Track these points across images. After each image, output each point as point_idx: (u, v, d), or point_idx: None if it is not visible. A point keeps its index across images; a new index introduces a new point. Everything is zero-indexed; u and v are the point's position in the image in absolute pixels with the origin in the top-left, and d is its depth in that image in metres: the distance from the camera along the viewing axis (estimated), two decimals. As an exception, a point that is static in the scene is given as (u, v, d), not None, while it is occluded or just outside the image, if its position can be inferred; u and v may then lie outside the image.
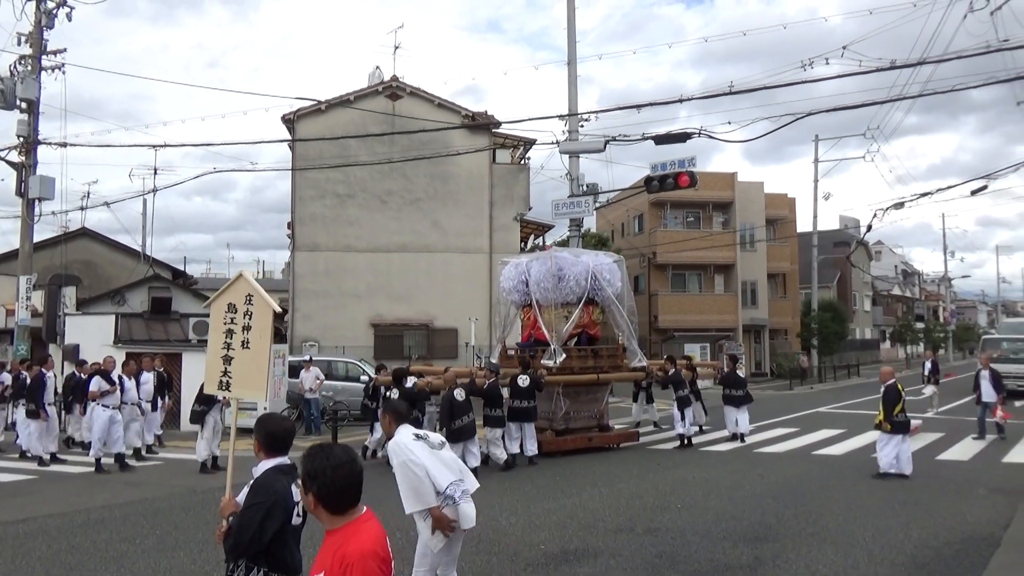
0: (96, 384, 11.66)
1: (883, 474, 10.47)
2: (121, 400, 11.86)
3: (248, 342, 4.43)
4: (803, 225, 40.43)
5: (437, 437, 4.85)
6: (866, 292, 56.65)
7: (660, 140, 15.10)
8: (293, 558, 3.38)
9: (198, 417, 11.67)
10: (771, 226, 38.10)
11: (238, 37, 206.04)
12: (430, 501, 4.52)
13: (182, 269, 32.75)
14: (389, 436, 4.81)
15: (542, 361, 12.94)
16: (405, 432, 4.72)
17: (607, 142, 16.23)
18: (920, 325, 54.38)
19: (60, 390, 14.38)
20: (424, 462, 4.53)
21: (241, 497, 3.45)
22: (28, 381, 12.94)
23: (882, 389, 10.88)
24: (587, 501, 9.08)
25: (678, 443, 13.83)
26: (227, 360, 4.51)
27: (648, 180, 16.68)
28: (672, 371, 14.55)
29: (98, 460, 11.46)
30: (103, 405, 11.53)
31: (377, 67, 26.51)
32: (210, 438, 11.68)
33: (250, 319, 4.44)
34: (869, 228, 29.88)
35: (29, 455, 12.53)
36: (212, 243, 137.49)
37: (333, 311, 24.44)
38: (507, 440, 11.93)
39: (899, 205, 23.38)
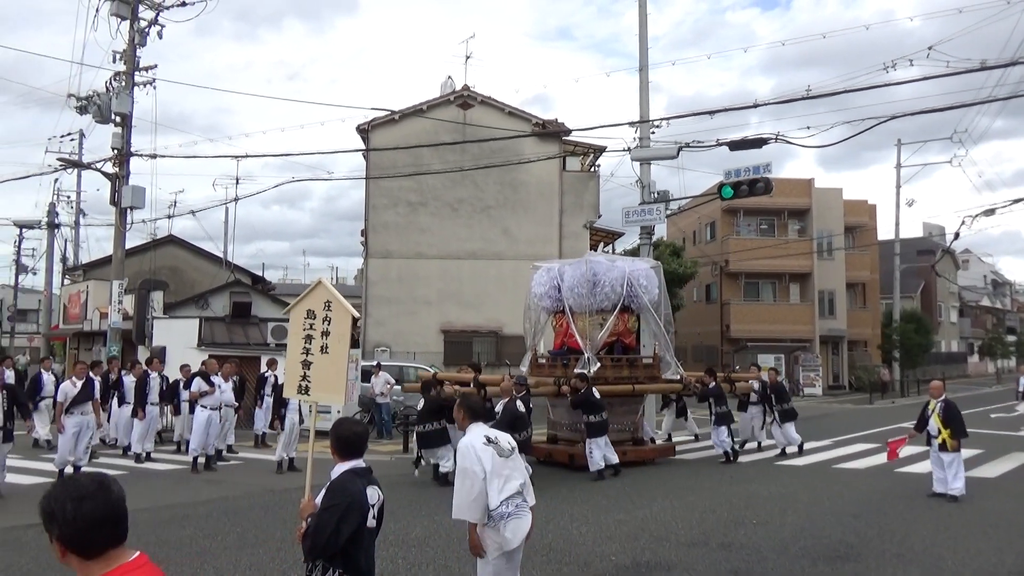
0: (197, 385, 12.21)
1: (954, 497, 9.84)
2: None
3: (327, 347, 4.53)
4: (884, 233, 39.02)
5: (508, 441, 4.63)
6: (952, 303, 54.08)
7: (735, 146, 14.81)
8: (368, 561, 3.42)
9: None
10: (850, 234, 36.86)
11: (316, 51, 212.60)
12: (475, 517, 4.36)
13: (261, 275, 33.93)
14: (462, 430, 4.73)
15: (575, 370, 12.41)
16: (477, 433, 4.56)
17: (680, 148, 16.01)
18: (1012, 338, 51.56)
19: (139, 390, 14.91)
20: (486, 472, 4.36)
21: (319, 499, 3.51)
22: (119, 381, 13.67)
23: (940, 405, 10.10)
24: (659, 513, 8.94)
25: (723, 459, 13.22)
26: (306, 365, 4.60)
27: (721, 187, 16.38)
28: (712, 384, 13.80)
29: (195, 459, 11.93)
30: (202, 406, 12.03)
31: (449, 77, 26.91)
32: (287, 441, 12.03)
33: (329, 324, 4.54)
34: (956, 236, 28.66)
35: (126, 452, 13.17)
36: (289, 250, 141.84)
37: (405, 317, 24.84)
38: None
39: (990, 212, 22.25)
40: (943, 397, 10.25)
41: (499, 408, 10.39)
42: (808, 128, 13.97)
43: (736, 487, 10.84)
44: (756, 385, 14.76)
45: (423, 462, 11.77)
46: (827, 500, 9.87)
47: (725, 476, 11.91)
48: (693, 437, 16.21)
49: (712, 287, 37.39)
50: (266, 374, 14.17)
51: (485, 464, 4.39)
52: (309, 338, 4.61)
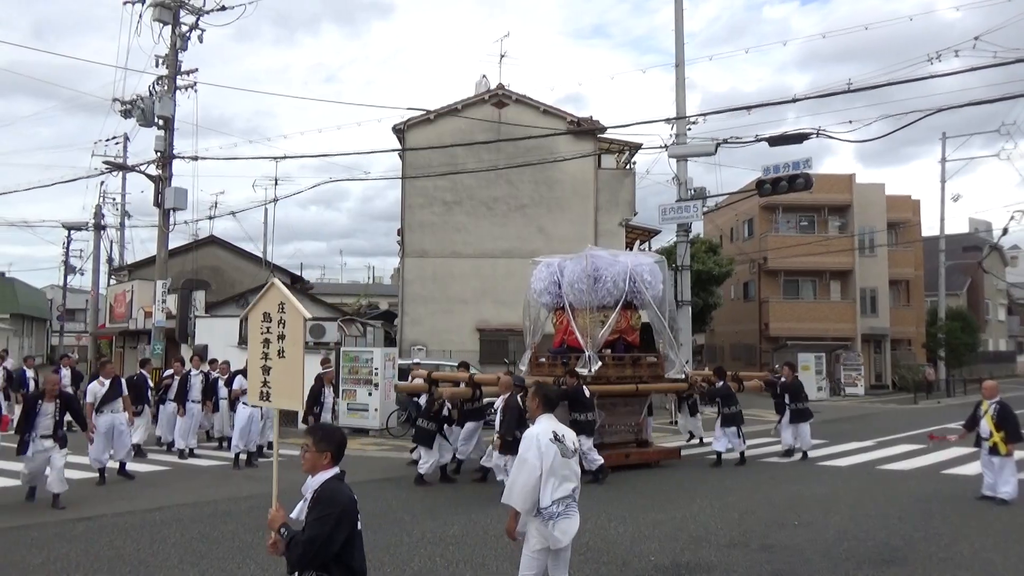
0: (238, 383, 12.41)
1: (1004, 500, 9.54)
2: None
3: (283, 351, 4.38)
4: (929, 229, 38.04)
5: (572, 440, 4.57)
6: (1000, 300, 52.60)
7: (774, 141, 14.58)
8: (361, 564, 3.41)
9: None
10: (893, 230, 36.04)
11: (353, 53, 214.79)
12: (523, 508, 4.38)
13: (299, 274, 34.41)
14: (532, 414, 4.69)
15: (576, 368, 11.86)
16: (545, 427, 4.50)
17: (718, 144, 15.82)
18: (1064, 336, 49.94)
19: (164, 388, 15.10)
20: (544, 469, 4.35)
21: (297, 512, 3.48)
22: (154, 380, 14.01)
23: (994, 407, 9.68)
24: (697, 513, 8.85)
25: (738, 460, 12.86)
26: (266, 370, 4.47)
27: (760, 183, 16.17)
28: (720, 384, 13.31)
29: (237, 455, 12.14)
30: (243, 403, 12.24)
31: (484, 76, 26.95)
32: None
33: (284, 328, 4.38)
34: (1005, 231, 28.01)
35: (171, 448, 13.44)
36: (326, 250, 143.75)
37: (440, 316, 24.95)
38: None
39: (1040, 206, 21.49)
40: (997, 398, 9.88)
41: (499, 405, 10.35)
42: (851, 122, 13.65)
43: (777, 487, 10.68)
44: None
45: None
46: (871, 502, 9.66)
47: (765, 476, 11.74)
48: (696, 439, 15.58)
49: (750, 285, 36.91)
50: None
51: (545, 461, 4.36)
52: (267, 342, 4.46)
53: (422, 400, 12.08)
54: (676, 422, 15.95)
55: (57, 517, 8.14)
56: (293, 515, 3.50)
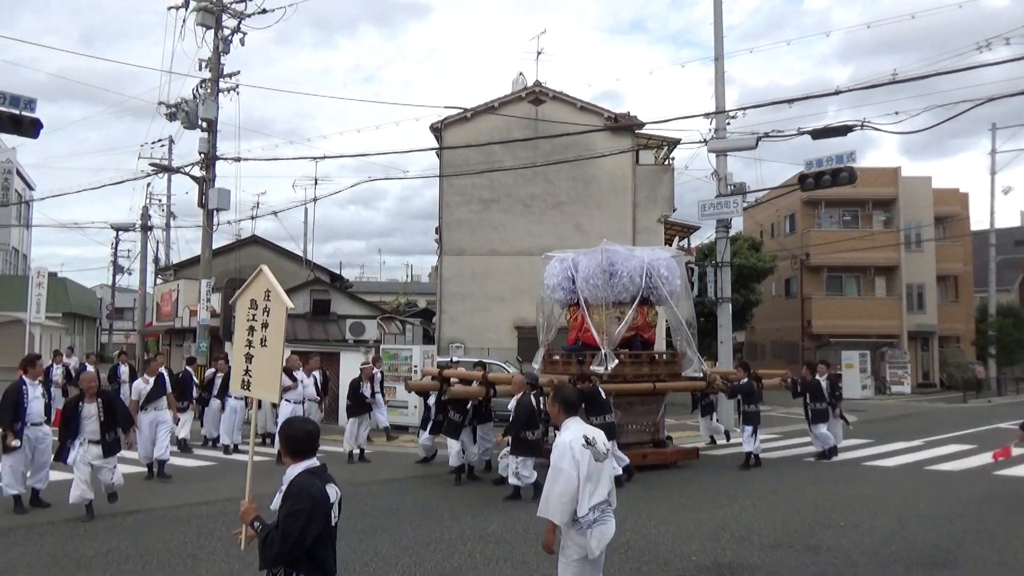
0: (282, 382, 12.66)
1: None
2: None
3: (266, 340, 4.28)
4: (978, 223, 37.01)
5: (603, 442, 4.41)
6: (1055, 296, 50.86)
7: (818, 134, 14.28)
8: (332, 560, 3.36)
9: (353, 412, 12.45)
10: (940, 224, 35.13)
11: (391, 54, 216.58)
12: (562, 519, 4.19)
13: (339, 273, 34.82)
14: (556, 424, 4.52)
15: (591, 367, 11.47)
16: (575, 432, 4.33)
17: (759, 138, 15.55)
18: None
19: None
20: (581, 479, 4.18)
21: (274, 504, 3.38)
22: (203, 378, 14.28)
23: None
24: (739, 513, 8.73)
25: (743, 461, 12.26)
26: (248, 359, 4.36)
27: (802, 177, 15.86)
28: (744, 380, 12.85)
29: (280, 451, 12.33)
30: (286, 400, 12.45)
31: (520, 73, 26.93)
32: (354, 431, 12.36)
33: (268, 316, 4.28)
34: (1059, 225, 26.92)
35: (216, 444, 13.72)
36: (364, 249, 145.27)
37: (478, 313, 25.03)
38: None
39: (1098, 198, 20.72)
40: None
41: (511, 405, 10.07)
42: (896, 113, 13.30)
43: (821, 488, 10.48)
44: (823, 383, 13.53)
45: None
46: (920, 503, 9.43)
47: (809, 476, 11.53)
48: (721, 438, 15.02)
49: (792, 281, 36.30)
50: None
51: (582, 468, 4.19)
52: (252, 330, 4.37)
53: (430, 401, 11.97)
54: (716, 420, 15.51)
55: (108, 510, 8.34)
56: (274, 506, 3.37)
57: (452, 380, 11.66)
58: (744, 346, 40.29)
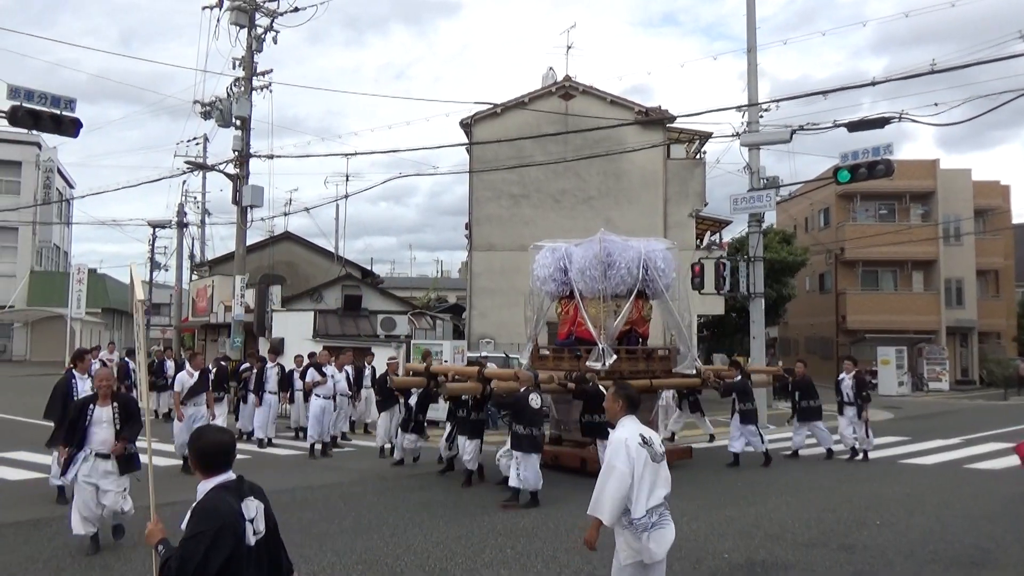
0: (310, 376, 12.83)
1: None
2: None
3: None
4: (1020, 216, 36.11)
5: (659, 441, 4.27)
6: (1101, 291, 49.44)
7: (854, 127, 14.03)
8: None
9: (383, 406, 12.54)
10: (980, 217, 34.34)
11: (421, 51, 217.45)
12: (610, 519, 4.01)
13: (370, 269, 35.10)
14: (612, 421, 4.32)
15: (587, 363, 10.92)
16: (631, 430, 4.17)
17: (793, 132, 15.33)
18: None
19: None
20: (636, 478, 4.01)
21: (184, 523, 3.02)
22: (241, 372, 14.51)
23: None
24: (772, 511, 8.63)
25: (764, 460, 11.98)
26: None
27: (837, 170, 15.61)
28: (737, 378, 12.49)
29: (312, 445, 12.49)
30: (316, 395, 12.60)
31: (550, 68, 26.86)
32: (387, 426, 12.45)
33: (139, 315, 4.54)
34: (1106, 217, 26.16)
35: (251, 438, 13.88)
36: (395, 245, 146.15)
37: (508, 309, 25.01)
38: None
39: None
40: None
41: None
42: (936, 104, 13.01)
43: (856, 486, 10.33)
44: (848, 382, 12.91)
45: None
46: (958, 502, 9.24)
47: (844, 474, 11.36)
48: (708, 438, 14.60)
49: (826, 276, 35.77)
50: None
51: (637, 467, 4.04)
52: (138, 327, 4.63)
53: (411, 400, 11.48)
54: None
55: (144, 502, 8.49)
56: (184, 525, 2.96)
57: (441, 377, 10.79)
58: (777, 342, 39.82)
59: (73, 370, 8.95)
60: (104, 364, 17.09)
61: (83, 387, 8.79)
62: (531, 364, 11.73)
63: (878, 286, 34.16)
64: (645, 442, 4.11)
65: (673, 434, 14.64)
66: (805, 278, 35.94)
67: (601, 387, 9.85)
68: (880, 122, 13.86)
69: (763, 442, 12.17)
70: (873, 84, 14.65)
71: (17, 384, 25.02)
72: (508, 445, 9.37)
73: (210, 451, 3.06)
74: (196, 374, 11.11)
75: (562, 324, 12.44)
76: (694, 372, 12.11)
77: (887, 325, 31.61)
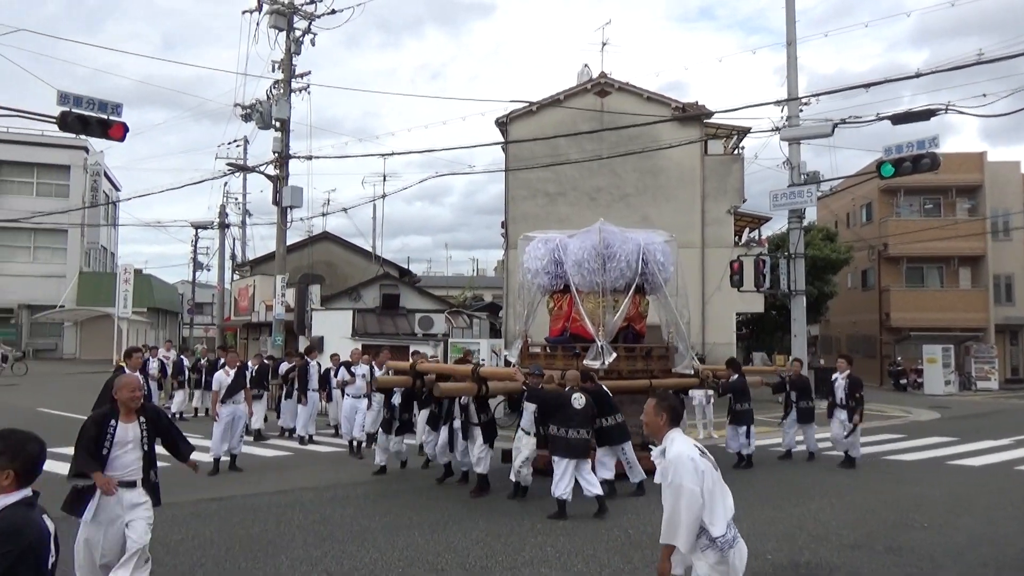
0: (341, 375, 12.98)
1: None
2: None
3: None
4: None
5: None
6: None
7: (898, 120, 13.70)
8: None
9: (423, 404, 12.60)
10: (1031, 211, 33.27)
11: (456, 51, 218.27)
12: (687, 545, 3.62)
13: (407, 268, 35.37)
14: (653, 437, 3.99)
15: (585, 361, 10.22)
16: (687, 443, 3.80)
17: (835, 125, 15.04)
18: None
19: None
20: (707, 495, 3.66)
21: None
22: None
23: None
24: (816, 512, 8.50)
25: (737, 460, 11.56)
26: None
27: (880, 165, 15.28)
28: (735, 377, 11.89)
29: (350, 442, 12.63)
30: (346, 394, 12.74)
31: (585, 65, 26.76)
32: (424, 424, 12.50)
33: None
34: None
35: (292, 435, 14.10)
36: (431, 244, 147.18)
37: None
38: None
39: None
40: None
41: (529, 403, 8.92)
42: (984, 95, 12.65)
43: (901, 487, 10.12)
44: (841, 382, 12.05)
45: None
46: (1009, 505, 8.99)
47: (889, 475, 11.14)
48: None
49: (869, 273, 35.05)
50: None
51: (706, 482, 3.68)
52: None
53: (395, 400, 10.78)
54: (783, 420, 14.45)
55: (193, 496, 8.71)
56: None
57: (428, 376, 10.08)
58: (818, 340, 39.16)
59: (123, 367, 9.20)
60: (163, 363, 17.46)
61: None
62: (521, 361, 11.03)
63: (923, 283, 33.39)
64: (703, 453, 3.78)
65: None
66: (847, 275, 35.28)
67: (604, 387, 9.44)
68: (925, 114, 13.52)
69: (750, 446, 11.63)
70: (917, 76, 14.31)
71: (68, 382, 25.77)
72: (525, 454, 8.78)
73: (36, 461, 2.77)
74: (232, 372, 11.07)
75: (554, 320, 11.84)
76: (692, 372, 11.43)
77: (933, 323, 30.86)
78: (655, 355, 11.54)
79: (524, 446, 8.82)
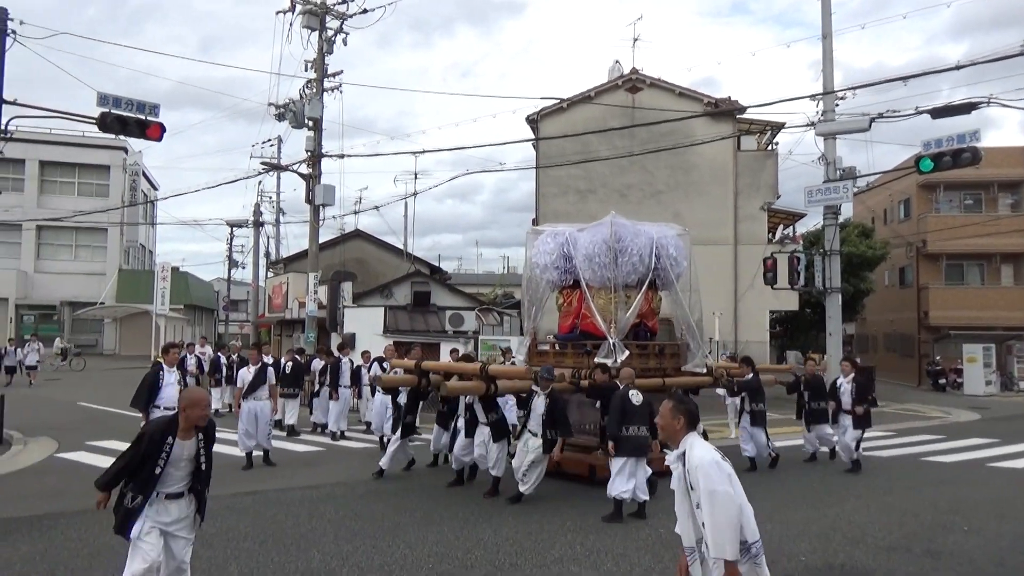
0: (374, 370, 13.12)
1: None
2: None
3: None
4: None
5: None
6: None
7: (938, 113, 13.39)
8: None
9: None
10: (1077, 206, 32.33)
11: (487, 48, 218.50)
12: (736, 551, 3.47)
13: (438, 265, 35.52)
14: (669, 442, 3.88)
15: (596, 359, 9.95)
16: (708, 447, 3.70)
17: (872, 120, 14.74)
18: None
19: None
20: (740, 499, 3.56)
21: None
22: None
23: None
24: (851, 513, 8.35)
25: (750, 465, 11.00)
26: None
27: (919, 159, 14.95)
28: (749, 376, 11.51)
29: (381, 438, 12.72)
30: (377, 390, 12.83)
31: (616, 61, 26.63)
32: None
33: None
34: None
35: (325, 430, 14.23)
36: (461, 242, 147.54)
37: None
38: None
39: None
40: None
41: (538, 404, 8.67)
42: (1027, 89, 12.26)
43: (940, 489, 9.89)
44: (846, 387, 11.41)
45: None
46: (1054, 508, 8.75)
47: (928, 477, 10.90)
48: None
49: (907, 270, 34.33)
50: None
51: (735, 485, 3.59)
52: None
53: (401, 399, 10.67)
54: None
55: (228, 490, 8.83)
56: None
57: (434, 375, 9.84)
58: (854, 338, 38.49)
59: (161, 363, 9.38)
60: (199, 360, 17.71)
61: (169, 378, 9.18)
62: (528, 360, 10.83)
63: (963, 280, 32.62)
64: (724, 457, 3.68)
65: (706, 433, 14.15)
66: (884, 272, 34.62)
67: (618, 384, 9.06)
68: (966, 107, 13.19)
69: (770, 446, 11.24)
70: (958, 68, 13.95)
71: (108, 377, 26.37)
72: (532, 457, 8.55)
73: None
74: (254, 369, 11.03)
75: (564, 316, 11.50)
76: (705, 370, 11.05)
77: (973, 321, 30.13)
78: (668, 353, 11.19)
79: (531, 449, 8.58)
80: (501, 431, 9.19)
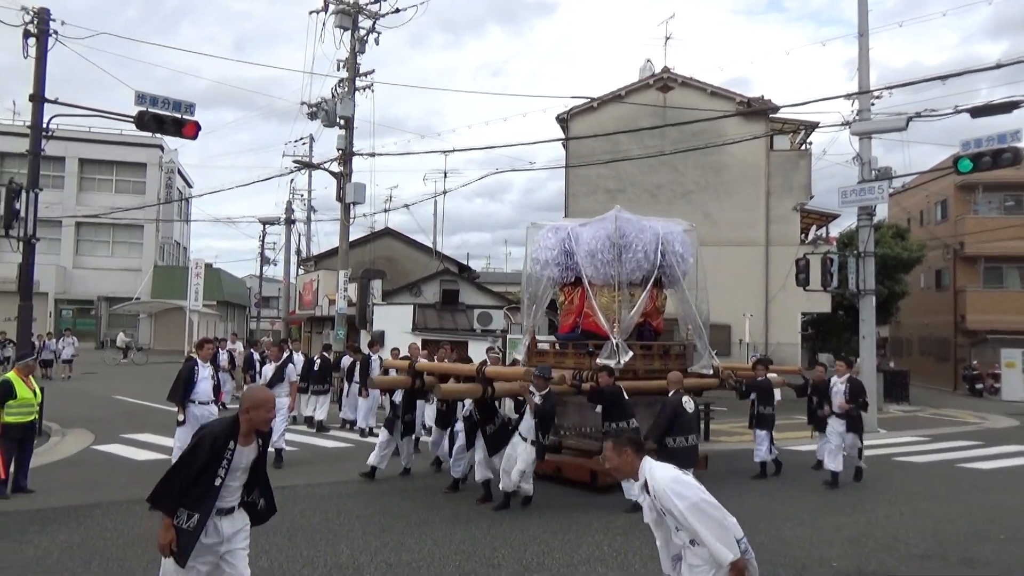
0: None
1: None
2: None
3: None
4: None
5: None
6: None
7: (978, 112, 13.10)
8: None
9: None
10: (1123, 208, 31.42)
11: (518, 48, 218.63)
12: (736, 550, 3.49)
13: (467, 264, 35.62)
14: (630, 477, 3.78)
15: (599, 360, 9.51)
16: (663, 466, 3.71)
17: (909, 119, 14.46)
18: None
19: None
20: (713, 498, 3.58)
21: None
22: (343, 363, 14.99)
23: None
24: (883, 519, 8.22)
25: (760, 470, 10.67)
26: None
27: (958, 160, 14.64)
28: (762, 378, 11.07)
29: (362, 430, 12.71)
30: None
31: (648, 60, 26.46)
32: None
33: None
34: None
35: (354, 427, 14.33)
36: (490, 241, 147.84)
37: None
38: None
39: None
40: None
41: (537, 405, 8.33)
42: (1071, 88, 11.96)
43: (977, 496, 9.69)
44: (840, 387, 10.83)
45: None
46: (1096, 519, 8.52)
47: (964, 483, 10.68)
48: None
49: (943, 272, 33.66)
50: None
51: (704, 490, 3.61)
52: None
53: (397, 397, 10.34)
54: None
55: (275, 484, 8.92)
56: None
57: (428, 376, 9.60)
58: (888, 341, 37.81)
59: (195, 358, 9.51)
60: (231, 355, 17.95)
61: (203, 373, 9.30)
62: (528, 360, 10.49)
63: (1003, 283, 31.87)
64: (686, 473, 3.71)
65: None
66: (920, 274, 33.96)
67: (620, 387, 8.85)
68: (1007, 106, 12.89)
69: (772, 452, 10.80)
70: (998, 67, 13.63)
71: (142, 372, 26.87)
72: (522, 466, 8.15)
73: None
74: (275, 365, 10.99)
75: (565, 315, 11.07)
76: (711, 372, 10.62)
77: (1013, 325, 29.43)
78: (673, 353, 10.86)
79: (521, 455, 8.20)
80: (498, 442, 8.60)
